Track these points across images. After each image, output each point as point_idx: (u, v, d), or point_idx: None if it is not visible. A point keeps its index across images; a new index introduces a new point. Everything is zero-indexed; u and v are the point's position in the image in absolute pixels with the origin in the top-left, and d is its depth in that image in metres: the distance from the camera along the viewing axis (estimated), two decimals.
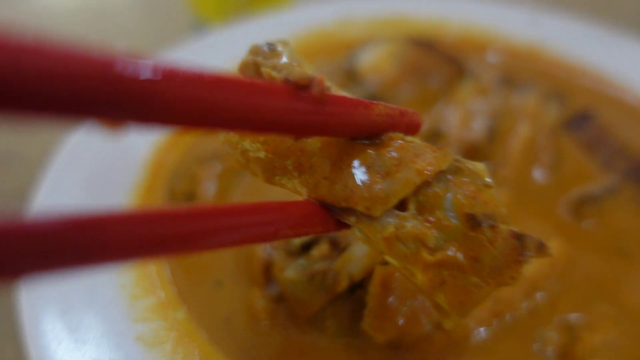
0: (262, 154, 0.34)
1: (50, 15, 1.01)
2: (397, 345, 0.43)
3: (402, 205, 0.32)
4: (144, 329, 0.43)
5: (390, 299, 0.42)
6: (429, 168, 0.32)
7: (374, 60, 0.70)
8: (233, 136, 0.36)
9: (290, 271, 0.44)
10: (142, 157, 0.57)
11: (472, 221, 0.31)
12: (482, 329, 0.45)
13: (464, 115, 0.62)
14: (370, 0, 0.81)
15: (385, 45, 0.72)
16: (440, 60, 0.71)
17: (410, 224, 0.32)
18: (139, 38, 0.96)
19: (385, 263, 0.42)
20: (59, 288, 0.44)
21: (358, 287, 0.44)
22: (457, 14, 0.79)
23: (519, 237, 0.32)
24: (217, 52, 0.70)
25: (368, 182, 0.32)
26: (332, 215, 0.33)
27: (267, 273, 0.47)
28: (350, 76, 0.70)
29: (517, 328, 0.45)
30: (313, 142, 0.34)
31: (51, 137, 0.61)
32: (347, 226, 0.33)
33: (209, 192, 0.56)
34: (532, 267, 0.48)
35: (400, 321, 0.42)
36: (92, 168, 0.54)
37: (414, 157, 0.32)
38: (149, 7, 1.05)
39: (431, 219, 0.32)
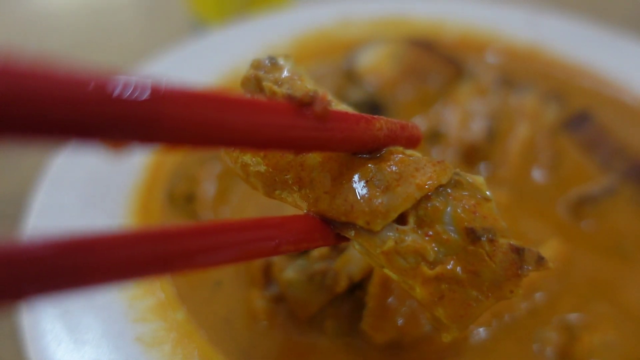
0: (262, 168, 0.35)
1: (49, 14, 1.01)
2: (396, 345, 0.43)
3: (401, 219, 0.32)
4: (143, 330, 0.43)
5: (390, 300, 0.42)
6: (429, 182, 0.32)
7: (373, 61, 0.70)
8: (233, 150, 0.36)
9: (290, 271, 0.44)
10: (141, 158, 0.57)
11: (472, 235, 0.32)
12: (481, 329, 0.45)
13: (463, 115, 0.62)
14: (370, 1, 0.81)
15: (385, 46, 0.72)
16: (439, 60, 0.71)
17: (410, 238, 0.32)
18: (139, 38, 0.96)
19: None
20: None
21: (357, 288, 0.44)
22: (456, 14, 0.80)
23: (518, 251, 0.32)
24: (217, 53, 0.70)
25: (368, 196, 0.32)
26: (331, 229, 0.33)
27: (267, 273, 0.47)
28: (350, 77, 0.70)
29: (517, 328, 0.45)
30: (313, 157, 0.34)
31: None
32: (346, 239, 0.34)
33: (208, 192, 0.56)
34: None
35: (400, 321, 0.42)
36: (92, 169, 0.54)
37: (414, 172, 0.32)
38: (148, 8, 1.05)
39: (431, 232, 0.32)
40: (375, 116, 0.33)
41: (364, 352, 0.44)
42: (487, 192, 0.33)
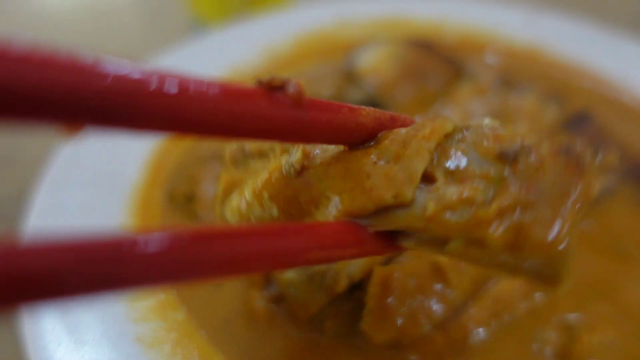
0: (275, 211, 0.33)
1: (49, 14, 1.01)
2: (396, 345, 0.43)
3: (430, 181, 0.30)
4: (143, 330, 0.43)
5: (390, 300, 0.42)
6: (435, 132, 0.30)
7: (373, 62, 0.70)
8: (242, 207, 0.35)
9: (290, 271, 0.44)
10: (141, 158, 0.57)
11: (508, 157, 0.28)
12: (481, 329, 0.45)
13: (462, 115, 0.62)
14: (369, 1, 0.81)
15: (384, 47, 0.72)
16: (438, 61, 0.71)
17: (449, 191, 0.29)
18: (138, 38, 0.96)
19: (385, 263, 0.43)
20: None
21: (357, 288, 0.44)
22: (455, 15, 0.80)
23: (565, 150, 0.28)
24: (217, 53, 0.70)
25: (383, 172, 0.30)
26: (367, 230, 0.30)
27: (267, 273, 0.48)
28: (350, 77, 0.70)
29: (516, 328, 0.45)
30: (315, 171, 0.32)
31: (51, 138, 0.61)
32: (394, 248, 0.31)
33: (208, 192, 0.56)
34: None
35: (399, 321, 0.42)
36: (92, 169, 0.54)
37: (416, 133, 0.30)
38: (148, 7, 1.05)
39: (465, 177, 0.29)
40: (361, 106, 0.32)
41: (364, 352, 0.44)
42: (499, 124, 0.31)
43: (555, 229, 0.27)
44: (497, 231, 0.27)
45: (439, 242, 0.29)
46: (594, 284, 0.49)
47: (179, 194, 0.56)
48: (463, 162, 0.29)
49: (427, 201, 0.29)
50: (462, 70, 0.70)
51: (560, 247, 0.27)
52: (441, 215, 0.28)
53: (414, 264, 0.44)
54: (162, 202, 0.55)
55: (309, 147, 0.33)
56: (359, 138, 0.32)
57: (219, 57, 0.70)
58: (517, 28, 0.78)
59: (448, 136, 0.31)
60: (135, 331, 0.43)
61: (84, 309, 0.43)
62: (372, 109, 0.32)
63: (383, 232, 0.31)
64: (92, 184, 0.53)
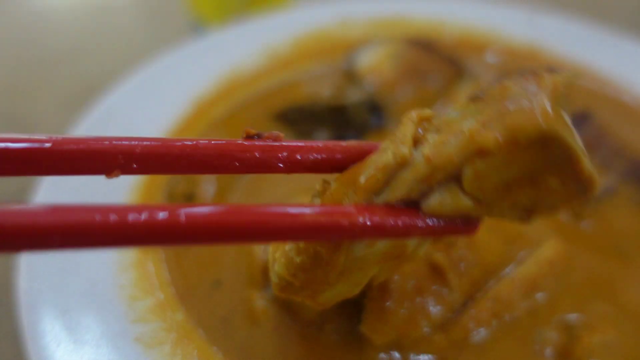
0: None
1: (49, 14, 1.01)
2: (396, 346, 0.43)
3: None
4: (142, 330, 0.43)
5: (389, 302, 0.42)
6: (415, 114, 0.34)
7: (373, 61, 0.70)
8: (287, 250, 0.37)
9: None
10: None
11: (477, 96, 0.32)
12: (481, 329, 0.45)
13: None
14: (369, 1, 0.81)
15: (384, 46, 0.72)
16: (439, 60, 0.71)
17: (438, 135, 0.32)
18: (138, 38, 0.96)
19: None
20: (58, 289, 0.44)
21: None
22: (455, 14, 0.80)
23: (518, 72, 0.32)
24: (217, 53, 0.70)
25: (381, 151, 0.33)
26: (386, 206, 0.32)
27: (267, 274, 0.47)
28: (350, 77, 0.70)
29: (517, 328, 0.45)
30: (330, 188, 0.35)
31: None
32: (420, 219, 0.32)
33: (208, 192, 0.56)
34: (531, 267, 0.48)
35: (399, 323, 0.42)
36: None
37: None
38: (148, 7, 1.05)
39: (449, 125, 0.32)
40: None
41: (363, 353, 0.43)
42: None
43: (536, 108, 0.30)
44: (488, 134, 0.30)
45: (455, 181, 0.32)
46: (593, 284, 0.49)
47: (179, 193, 0.56)
48: (444, 119, 0.33)
49: (423, 150, 0.32)
50: (462, 70, 0.70)
51: (549, 120, 0.29)
52: (438, 150, 0.31)
53: (413, 265, 0.44)
54: (161, 202, 0.55)
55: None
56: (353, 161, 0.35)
57: (219, 57, 0.70)
58: (517, 27, 0.78)
59: (431, 118, 0.35)
60: (135, 331, 0.43)
61: (84, 309, 0.43)
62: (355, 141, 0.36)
63: (406, 206, 0.33)
64: (91, 184, 0.53)
